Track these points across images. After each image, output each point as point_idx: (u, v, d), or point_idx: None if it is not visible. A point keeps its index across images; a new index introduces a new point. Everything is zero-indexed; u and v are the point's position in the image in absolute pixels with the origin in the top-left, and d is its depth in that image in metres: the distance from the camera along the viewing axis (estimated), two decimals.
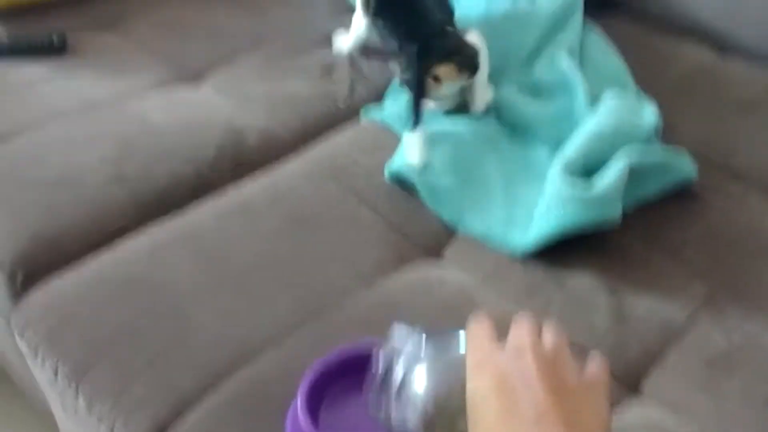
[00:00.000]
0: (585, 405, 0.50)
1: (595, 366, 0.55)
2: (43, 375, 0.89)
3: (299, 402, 0.67)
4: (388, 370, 0.59)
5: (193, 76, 1.34)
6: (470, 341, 0.56)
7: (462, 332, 0.58)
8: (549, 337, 0.55)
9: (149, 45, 1.41)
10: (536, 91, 1.17)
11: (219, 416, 0.76)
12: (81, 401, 0.82)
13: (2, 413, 1.37)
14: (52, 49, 1.39)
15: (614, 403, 0.78)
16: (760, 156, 1.12)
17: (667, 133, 1.16)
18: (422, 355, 0.59)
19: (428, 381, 0.58)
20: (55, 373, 0.85)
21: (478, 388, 0.51)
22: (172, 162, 1.12)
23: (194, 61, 1.36)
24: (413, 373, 0.58)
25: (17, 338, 0.92)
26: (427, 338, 0.60)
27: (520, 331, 0.54)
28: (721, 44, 1.40)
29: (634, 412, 0.78)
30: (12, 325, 0.92)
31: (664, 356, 0.83)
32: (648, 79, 1.29)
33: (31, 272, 0.96)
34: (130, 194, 1.07)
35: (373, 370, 0.60)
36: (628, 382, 0.81)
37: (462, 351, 0.57)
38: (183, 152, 1.14)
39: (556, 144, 1.07)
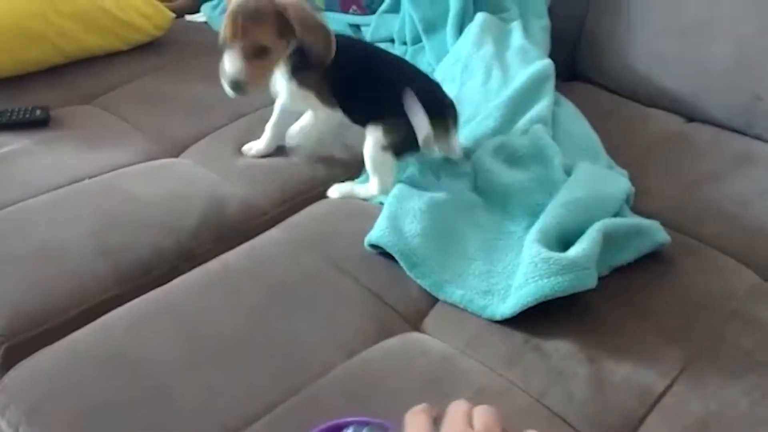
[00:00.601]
0: None
1: None
2: None
3: None
4: None
5: (174, 149, 1.37)
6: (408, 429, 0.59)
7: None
8: (481, 420, 0.57)
9: (130, 118, 1.44)
10: (512, 160, 1.20)
11: None
12: None
13: None
14: (35, 121, 1.41)
15: None
16: (729, 222, 1.16)
17: (639, 199, 1.20)
18: None
19: None
20: None
21: None
22: (154, 234, 1.13)
23: (175, 134, 1.39)
24: None
25: None
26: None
27: (454, 417, 0.58)
28: (688, 113, 1.46)
29: None
30: None
31: (644, 424, 0.84)
32: (619, 146, 1.35)
33: (12, 348, 0.96)
34: (113, 267, 1.07)
35: None
36: None
37: None
38: (166, 223, 1.16)
39: (533, 212, 1.10)
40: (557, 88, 1.45)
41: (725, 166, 1.31)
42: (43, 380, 0.90)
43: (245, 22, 1.05)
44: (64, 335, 0.96)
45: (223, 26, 1.06)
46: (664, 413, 0.85)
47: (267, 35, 1.06)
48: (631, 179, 1.23)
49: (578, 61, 1.62)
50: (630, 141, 1.39)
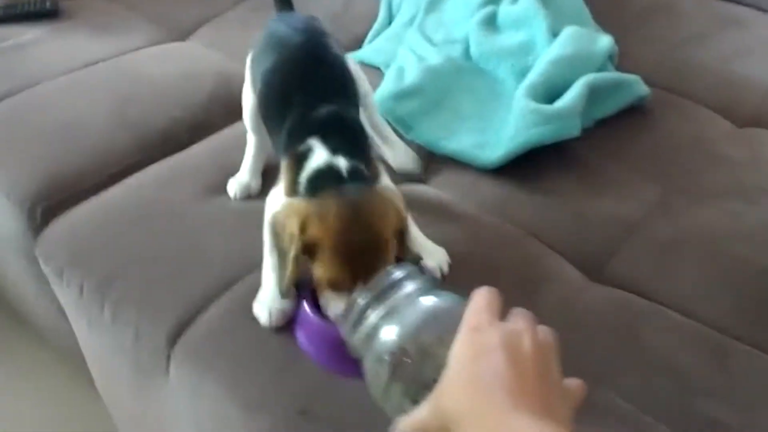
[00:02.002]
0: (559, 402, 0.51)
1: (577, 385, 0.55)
2: (68, 296, 0.98)
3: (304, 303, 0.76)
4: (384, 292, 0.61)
5: (181, 33, 1.43)
6: (473, 306, 0.56)
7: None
8: (543, 332, 0.55)
9: (138, 7, 1.50)
10: (503, 27, 1.26)
11: (227, 317, 0.86)
12: (106, 313, 0.91)
13: (25, 358, 1.46)
14: (45, 13, 1.47)
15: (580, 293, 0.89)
16: (707, 79, 1.24)
17: (624, 61, 1.27)
18: (428, 291, 0.61)
19: (421, 320, 0.59)
20: (81, 291, 0.94)
21: (462, 353, 0.52)
22: (170, 108, 1.21)
23: (183, 21, 1.46)
24: (411, 303, 0.59)
25: (43, 267, 1.01)
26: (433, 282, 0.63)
27: (521, 318, 0.55)
28: None
29: (600, 292, 0.89)
30: (37, 255, 1.02)
31: (621, 247, 0.94)
32: (608, 13, 1.40)
33: (49, 207, 1.06)
34: (133, 138, 1.16)
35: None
36: (590, 269, 0.92)
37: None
38: (179, 99, 1.23)
39: (521, 73, 1.17)
40: None
41: (709, 29, 1.37)
42: (82, 231, 1.00)
43: (371, 264, 0.72)
44: (95, 195, 1.06)
45: (327, 267, 0.74)
46: (640, 238, 0.95)
47: (391, 255, 0.76)
48: (617, 43, 1.30)
49: None
50: (619, 9, 1.45)
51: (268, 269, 0.84)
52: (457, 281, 0.85)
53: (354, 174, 0.79)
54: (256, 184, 1.03)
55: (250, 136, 1.04)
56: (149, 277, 0.91)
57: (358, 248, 0.73)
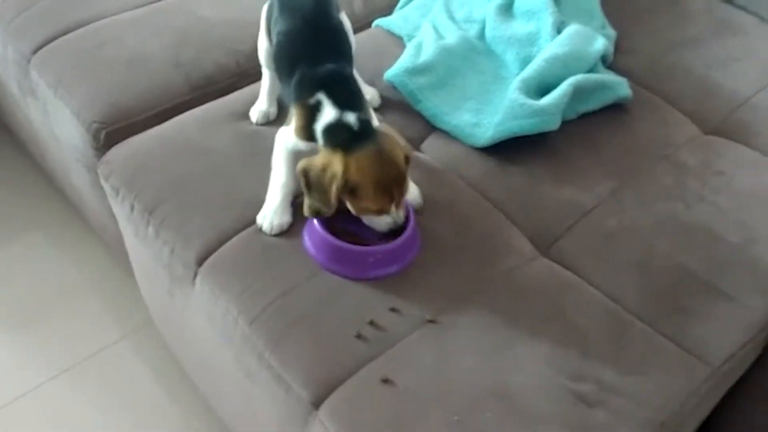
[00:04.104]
0: None
1: None
2: (121, 210, 1.22)
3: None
4: None
5: None
6: None
7: None
8: None
9: None
10: (515, 15, 1.42)
11: (244, 248, 1.08)
12: (150, 229, 1.15)
13: (78, 247, 1.73)
14: None
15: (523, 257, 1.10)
16: (689, 84, 1.39)
17: (622, 57, 1.43)
18: None
19: None
20: (132, 209, 1.18)
21: None
22: (217, 53, 1.41)
23: None
24: None
25: (102, 182, 1.24)
26: None
27: None
28: None
29: (544, 265, 1.10)
30: (98, 172, 1.25)
31: (571, 230, 1.14)
32: (618, 4, 1.55)
33: (111, 132, 1.28)
34: (185, 78, 1.36)
35: None
36: (540, 244, 1.13)
37: None
38: (227, 45, 1.43)
39: (524, 61, 1.34)
40: None
41: (706, 33, 1.51)
42: (136, 158, 1.23)
43: (399, 189, 1.00)
44: (149, 127, 1.28)
45: (371, 200, 0.99)
46: (587, 224, 1.15)
47: (409, 181, 1.03)
48: (619, 38, 1.46)
49: None
50: (630, 2, 1.59)
51: (276, 188, 1.08)
52: (427, 235, 1.08)
53: (362, 125, 1.01)
54: (273, 111, 1.27)
55: (264, 71, 1.26)
56: (187, 205, 1.14)
57: (390, 182, 0.99)
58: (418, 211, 1.11)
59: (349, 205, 1.02)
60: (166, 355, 1.50)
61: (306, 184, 1.01)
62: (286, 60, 1.10)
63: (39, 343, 1.55)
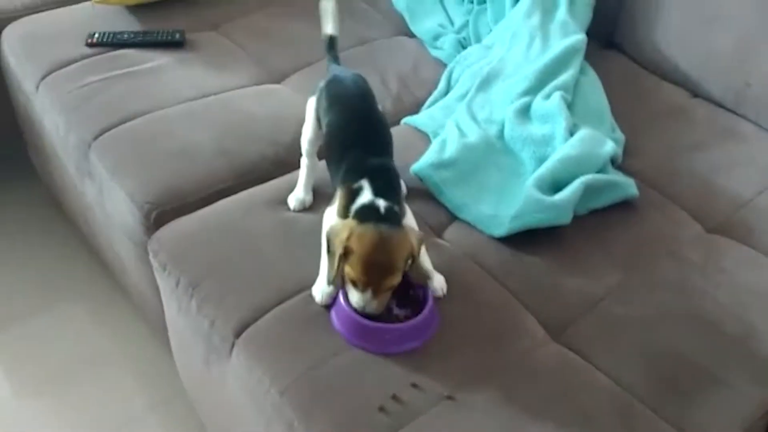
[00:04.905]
0: None
1: None
2: (167, 285, 1.33)
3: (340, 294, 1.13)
4: None
5: (279, 77, 1.77)
6: None
7: None
8: None
9: (248, 47, 1.85)
10: (532, 118, 1.55)
11: (279, 323, 1.19)
12: (193, 304, 1.25)
13: (116, 319, 1.84)
14: (174, 43, 1.82)
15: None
16: (693, 186, 1.50)
17: (631, 158, 1.55)
18: None
19: None
20: (177, 284, 1.29)
21: None
22: (260, 144, 1.55)
23: (280, 66, 1.79)
24: None
25: (151, 258, 1.36)
26: None
27: None
28: (694, 89, 1.76)
29: (555, 349, 1.18)
30: (148, 248, 1.37)
31: (581, 318, 1.23)
32: (629, 111, 1.68)
33: (161, 214, 1.41)
34: (229, 165, 1.50)
35: None
36: (552, 330, 1.21)
37: None
38: (268, 137, 1.57)
39: (540, 160, 1.46)
40: (595, 54, 1.79)
41: (710, 138, 1.62)
42: (183, 237, 1.35)
43: (380, 275, 1.08)
44: (196, 209, 1.41)
45: (352, 269, 1.09)
46: (596, 312, 1.24)
47: (399, 278, 1.10)
48: (628, 141, 1.58)
49: (616, 34, 1.91)
50: (640, 108, 1.72)
51: (324, 265, 1.19)
52: (447, 316, 1.17)
53: (388, 212, 1.13)
54: (309, 199, 1.39)
55: (304, 160, 1.39)
56: (228, 282, 1.25)
57: (375, 263, 1.08)
58: (440, 298, 1.20)
59: (344, 272, 1.12)
60: (193, 428, 1.58)
61: (328, 248, 1.13)
62: (337, 148, 1.25)
63: (68, 410, 1.64)
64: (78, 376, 1.71)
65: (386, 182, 1.17)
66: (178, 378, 1.56)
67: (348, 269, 1.10)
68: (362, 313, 1.12)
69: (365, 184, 1.15)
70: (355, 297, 1.12)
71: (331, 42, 1.45)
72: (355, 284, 1.11)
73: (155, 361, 1.71)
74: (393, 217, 1.14)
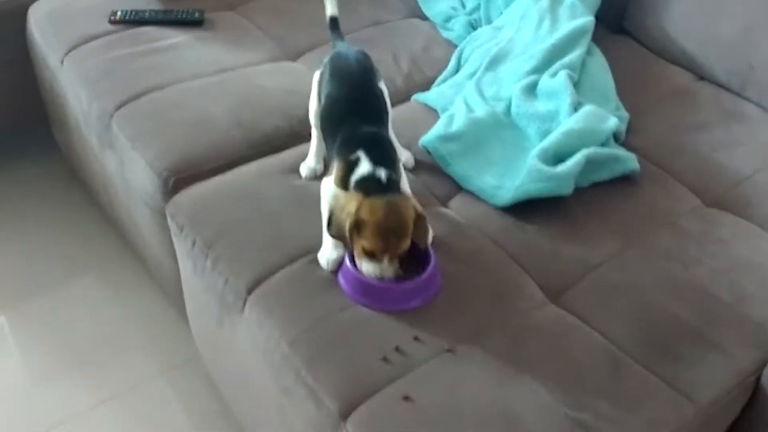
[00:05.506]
0: None
1: None
2: (183, 246, 1.39)
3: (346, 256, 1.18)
4: None
5: (294, 55, 1.82)
6: None
7: None
8: None
9: (265, 27, 1.90)
10: (538, 95, 1.60)
11: (289, 280, 1.24)
12: (208, 263, 1.31)
13: (132, 287, 1.91)
14: (194, 21, 1.88)
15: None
16: (695, 163, 1.54)
17: (635, 134, 1.59)
18: None
19: None
20: (193, 244, 1.35)
21: None
22: (275, 116, 1.61)
23: (296, 44, 1.85)
24: None
25: (169, 220, 1.42)
26: None
27: None
28: (699, 72, 1.80)
29: (553, 311, 1.23)
30: (166, 212, 1.43)
31: (579, 282, 1.28)
32: (636, 92, 1.72)
33: (178, 180, 1.47)
34: (244, 137, 1.56)
35: None
36: (551, 293, 1.26)
37: None
38: (283, 110, 1.62)
39: (544, 135, 1.51)
40: (605, 39, 1.84)
41: (713, 119, 1.66)
42: (199, 201, 1.41)
43: (396, 241, 1.14)
44: (212, 177, 1.46)
45: (367, 239, 1.13)
46: (594, 278, 1.28)
47: (409, 240, 1.16)
48: (633, 120, 1.63)
49: (625, 18, 1.95)
50: (646, 90, 1.76)
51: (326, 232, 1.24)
52: (450, 277, 1.23)
53: (389, 180, 1.18)
54: (320, 167, 1.45)
55: (314, 131, 1.44)
56: (242, 242, 1.31)
57: (389, 231, 1.14)
58: (433, 246, 1.25)
59: (353, 245, 1.17)
60: (202, 392, 1.65)
61: (329, 220, 1.18)
62: (333, 119, 1.29)
63: (83, 373, 1.71)
64: (94, 342, 1.77)
65: (382, 151, 1.22)
66: (192, 344, 1.63)
67: (363, 243, 1.14)
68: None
69: (362, 154, 1.20)
70: (371, 267, 1.17)
71: (333, 22, 1.51)
72: (371, 255, 1.16)
73: (170, 327, 1.78)
74: (394, 186, 1.19)
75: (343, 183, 1.21)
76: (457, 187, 1.46)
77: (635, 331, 1.19)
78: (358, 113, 1.27)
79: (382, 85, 1.37)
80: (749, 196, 1.47)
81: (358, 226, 1.14)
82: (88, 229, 2.04)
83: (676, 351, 1.16)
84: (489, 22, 1.93)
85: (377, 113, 1.30)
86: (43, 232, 2.04)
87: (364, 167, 1.19)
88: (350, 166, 1.20)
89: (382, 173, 1.18)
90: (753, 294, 1.25)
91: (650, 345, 1.17)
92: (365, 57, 1.39)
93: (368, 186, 1.17)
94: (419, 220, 1.18)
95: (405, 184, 1.30)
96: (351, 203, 1.15)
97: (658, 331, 1.19)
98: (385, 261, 1.16)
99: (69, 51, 1.79)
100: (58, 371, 1.71)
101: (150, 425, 1.62)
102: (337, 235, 1.19)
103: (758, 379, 1.17)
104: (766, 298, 1.25)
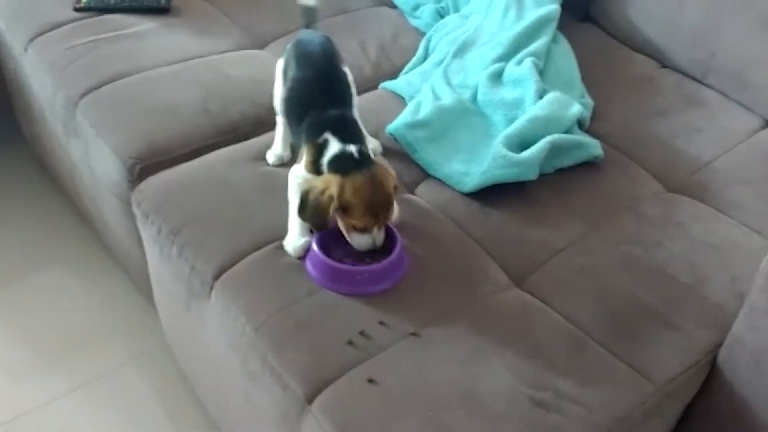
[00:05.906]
0: None
1: None
2: (149, 233, 1.39)
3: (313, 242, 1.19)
4: None
5: (262, 43, 1.82)
6: None
7: None
8: None
9: (232, 14, 1.90)
10: (504, 83, 1.61)
11: (254, 268, 1.25)
12: (174, 250, 1.31)
13: (100, 275, 1.90)
14: (160, 9, 1.87)
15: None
16: (656, 149, 1.57)
17: (599, 121, 1.62)
18: None
19: None
20: (159, 231, 1.34)
21: None
22: (241, 104, 1.60)
23: (263, 32, 1.84)
24: None
25: (134, 208, 1.42)
26: None
27: None
28: (662, 60, 1.83)
29: (517, 294, 1.25)
30: (132, 200, 1.42)
31: (542, 266, 1.30)
32: (600, 80, 1.74)
33: (144, 168, 1.46)
34: (212, 123, 1.55)
35: None
36: (515, 277, 1.28)
37: None
38: (249, 98, 1.62)
39: (510, 122, 1.52)
40: (571, 27, 1.85)
41: (674, 105, 1.69)
42: (165, 188, 1.41)
43: (384, 212, 1.18)
44: (178, 164, 1.46)
45: (358, 219, 1.17)
46: (558, 261, 1.30)
47: (394, 205, 1.21)
48: (597, 107, 1.65)
49: (590, 7, 1.97)
50: (610, 77, 1.78)
51: (293, 218, 1.25)
52: (415, 263, 1.24)
53: (361, 154, 1.20)
54: (287, 154, 1.45)
55: (279, 119, 1.44)
56: (208, 229, 1.31)
57: (378, 204, 1.16)
58: (401, 231, 1.26)
59: (339, 222, 1.19)
60: (171, 378, 1.65)
61: (302, 204, 1.18)
62: (298, 105, 1.30)
63: (52, 362, 1.70)
64: (62, 331, 1.76)
65: (349, 128, 1.24)
66: (160, 331, 1.63)
67: (354, 222, 1.17)
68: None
69: (329, 136, 1.21)
70: (362, 240, 1.19)
71: (305, 11, 1.50)
72: (361, 230, 1.18)
73: (137, 315, 1.78)
74: (367, 158, 1.20)
75: (315, 167, 1.22)
76: (424, 174, 1.47)
77: (597, 312, 1.21)
78: (322, 97, 1.28)
79: (346, 69, 1.37)
80: (708, 181, 1.50)
81: (344, 208, 1.15)
82: (55, 219, 2.03)
83: (637, 332, 1.19)
84: (457, 10, 1.94)
85: (342, 96, 1.31)
86: (10, 223, 2.02)
87: (334, 147, 1.20)
88: (319, 150, 1.22)
89: (353, 148, 1.20)
90: (711, 276, 1.28)
91: (611, 326, 1.19)
92: (328, 41, 1.39)
93: (342, 164, 1.19)
94: (396, 186, 1.21)
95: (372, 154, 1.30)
96: (331, 185, 1.16)
97: (619, 312, 1.22)
98: (375, 230, 1.19)
99: (33, 38, 1.77)
100: (26, 360, 1.70)
101: (120, 412, 1.62)
102: (311, 218, 1.19)
103: (714, 358, 1.19)
104: (724, 280, 1.28)
